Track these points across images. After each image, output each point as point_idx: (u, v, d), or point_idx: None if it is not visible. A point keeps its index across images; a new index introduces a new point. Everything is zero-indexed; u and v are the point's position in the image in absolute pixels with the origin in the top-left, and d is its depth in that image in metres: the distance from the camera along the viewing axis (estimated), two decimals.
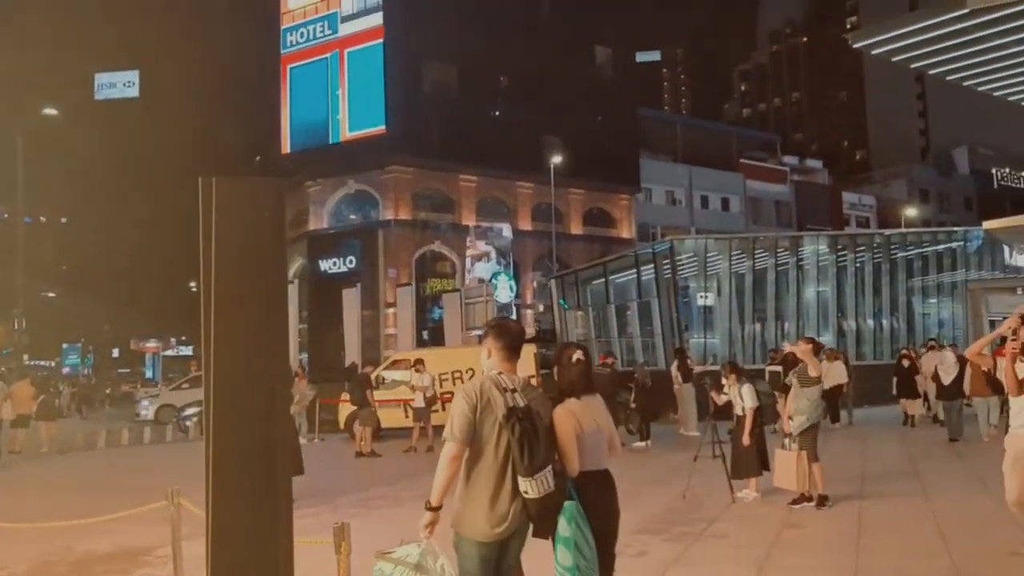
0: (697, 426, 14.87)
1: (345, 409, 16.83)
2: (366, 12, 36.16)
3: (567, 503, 3.42)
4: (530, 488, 3.29)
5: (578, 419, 3.60)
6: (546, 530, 3.46)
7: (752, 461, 8.55)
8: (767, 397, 10.56)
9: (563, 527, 3.40)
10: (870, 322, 26.77)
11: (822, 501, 7.94)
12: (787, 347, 9.18)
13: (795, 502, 8.07)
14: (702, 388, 13.40)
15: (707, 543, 6.84)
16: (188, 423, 20.90)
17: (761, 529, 7.27)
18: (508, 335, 3.56)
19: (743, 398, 8.60)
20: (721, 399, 9.24)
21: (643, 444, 14.03)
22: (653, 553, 6.48)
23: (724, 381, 9.05)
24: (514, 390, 3.42)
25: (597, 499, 3.55)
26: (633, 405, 15.04)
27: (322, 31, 37.33)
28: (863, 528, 7.18)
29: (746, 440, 8.50)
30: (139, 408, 27.07)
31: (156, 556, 6.73)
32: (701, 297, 25.86)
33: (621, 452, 3.89)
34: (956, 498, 8.25)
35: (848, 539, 6.78)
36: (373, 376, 16.06)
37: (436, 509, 3.39)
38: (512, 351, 3.55)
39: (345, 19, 36.66)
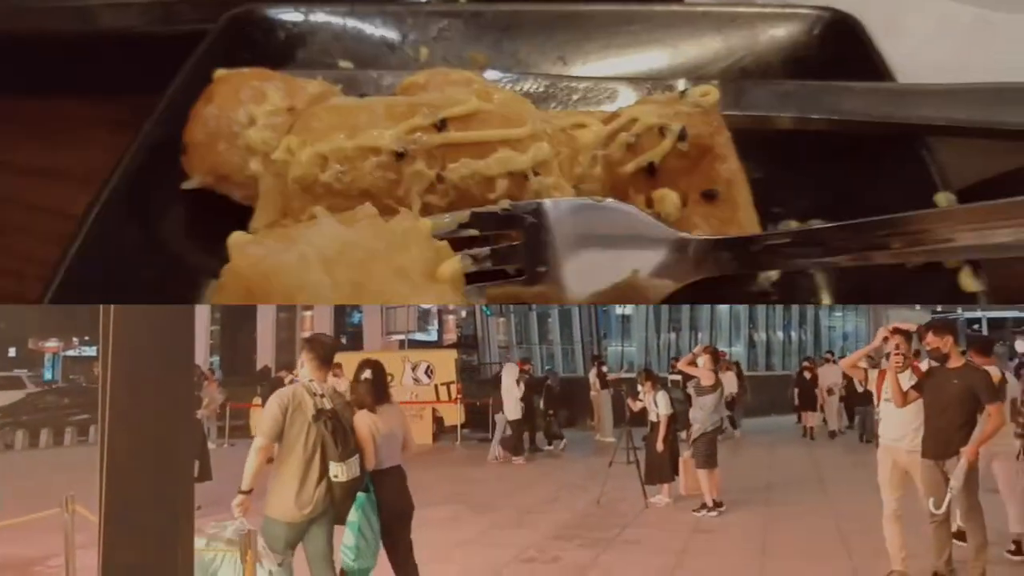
0: (613, 432, 15.08)
1: (257, 414, 16.37)
2: None
3: (359, 495, 3.98)
4: (340, 472, 3.86)
5: (375, 422, 4.15)
6: (344, 516, 4.01)
7: (665, 467, 8.72)
8: (681, 404, 10.79)
9: (351, 514, 3.96)
10: (779, 334, 27.74)
11: (713, 507, 8.09)
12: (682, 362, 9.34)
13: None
14: (619, 395, 13.63)
15: (620, 548, 6.91)
16: None
17: (672, 534, 7.39)
18: (321, 348, 4.16)
19: (658, 405, 8.77)
20: (636, 406, 9.38)
21: (551, 447, 14.21)
22: (567, 559, 6.52)
23: (640, 388, 9.20)
24: (323, 395, 4.02)
25: (391, 491, 4.17)
26: (551, 412, 15.12)
27: None
28: (769, 533, 7.39)
29: (660, 446, 8.66)
30: None
31: (48, 567, 6.36)
32: (620, 306, 26.27)
33: (415, 449, 4.58)
34: (858, 503, 8.55)
35: (754, 543, 6.97)
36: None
37: (247, 493, 3.89)
38: (324, 362, 4.12)
39: None
